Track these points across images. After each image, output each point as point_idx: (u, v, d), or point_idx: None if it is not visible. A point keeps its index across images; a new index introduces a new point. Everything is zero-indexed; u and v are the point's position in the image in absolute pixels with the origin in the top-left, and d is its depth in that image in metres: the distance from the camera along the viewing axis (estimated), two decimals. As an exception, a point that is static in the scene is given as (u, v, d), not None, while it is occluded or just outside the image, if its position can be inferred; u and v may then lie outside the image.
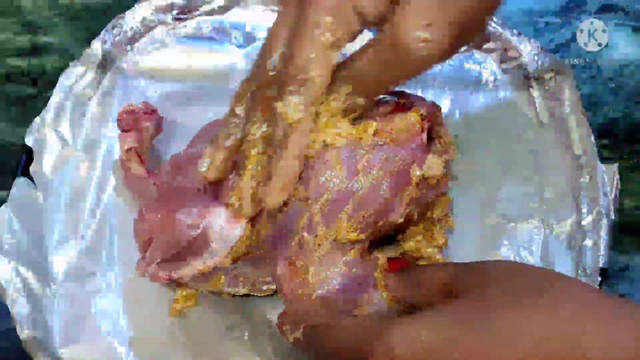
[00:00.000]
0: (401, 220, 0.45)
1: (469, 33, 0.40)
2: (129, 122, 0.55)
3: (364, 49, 0.40)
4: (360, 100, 0.42)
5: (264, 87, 0.43)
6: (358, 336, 0.38)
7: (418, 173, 0.44)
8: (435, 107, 0.48)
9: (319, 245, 0.44)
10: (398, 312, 0.45)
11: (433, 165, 0.45)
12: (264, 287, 0.51)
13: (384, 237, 0.49)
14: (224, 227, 0.45)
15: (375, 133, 0.45)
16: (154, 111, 0.57)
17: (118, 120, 0.56)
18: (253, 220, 0.46)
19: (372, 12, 0.39)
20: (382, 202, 0.44)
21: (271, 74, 0.42)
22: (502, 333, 0.34)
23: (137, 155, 0.55)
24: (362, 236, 0.45)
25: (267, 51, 0.43)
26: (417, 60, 0.39)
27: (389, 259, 0.47)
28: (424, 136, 0.46)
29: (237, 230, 0.46)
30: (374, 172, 0.44)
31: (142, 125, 0.55)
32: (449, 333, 0.35)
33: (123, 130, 0.56)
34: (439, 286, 0.41)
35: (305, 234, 0.44)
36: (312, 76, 0.40)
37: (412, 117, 0.46)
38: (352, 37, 0.40)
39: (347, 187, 0.44)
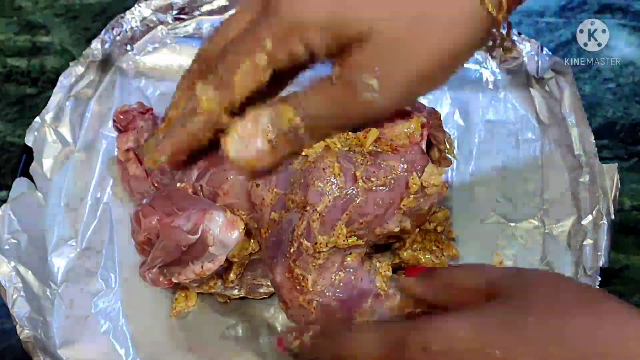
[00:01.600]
0: (397, 229, 0.45)
1: (420, 92, 0.39)
2: (124, 122, 0.55)
3: (315, 83, 0.38)
4: (303, 131, 0.38)
5: (203, 64, 0.42)
6: (388, 336, 0.37)
7: (417, 182, 0.44)
8: (435, 114, 0.48)
9: (318, 252, 0.44)
10: (412, 313, 0.45)
11: (432, 174, 0.45)
12: (261, 290, 0.51)
13: (380, 245, 0.49)
14: (222, 231, 0.45)
15: (376, 140, 0.45)
16: (149, 110, 0.57)
17: (114, 121, 0.56)
18: (249, 228, 0.47)
19: (321, 50, 0.37)
20: (380, 209, 0.44)
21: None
22: (544, 338, 0.34)
23: (135, 156, 0.55)
24: (361, 242, 0.45)
25: (212, 40, 0.41)
26: (362, 105, 0.37)
27: (407, 267, 0.47)
28: (423, 144, 0.45)
29: (235, 234, 0.46)
30: (373, 180, 0.44)
31: (137, 125, 0.55)
32: (489, 333, 0.35)
33: (119, 131, 0.56)
34: (473, 288, 0.40)
35: (304, 241, 0.44)
36: (235, 82, 0.38)
37: (412, 124, 0.45)
38: (294, 64, 0.38)
39: (346, 194, 0.44)
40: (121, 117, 0.55)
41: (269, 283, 0.50)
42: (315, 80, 0.38)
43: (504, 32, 0.61)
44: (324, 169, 0.44)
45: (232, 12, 0.63)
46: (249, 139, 0.36)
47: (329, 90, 0.37)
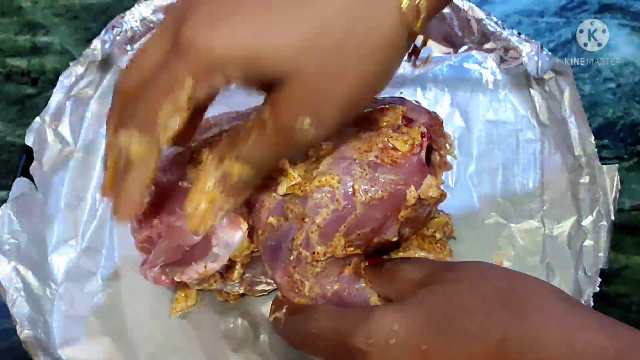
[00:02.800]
0: (395, 238, 0.45)
1: (352, 114, 0.39)
2: None
3: (248, 128, 0.38)
4: (253, 176, 0.39)
5: (121, 102, 0.40)
6: (339, 322, 0.40)
7: (414, 195, 0.44)
8: (436, 119, 0.48)
9: (316, 261, 0.44)
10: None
11: (430, 187, 0.45)
12: (259, 287, 0.51)
13: (378, 249, 0.49)
14: (225, 232, 0.45)
15: (381, 149, 0.45)
16: None
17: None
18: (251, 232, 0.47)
19: (242, 83, 0.37)
20: (378, 222, 0.44)
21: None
22: (467, 333, 0.36)
23: None
24: (359, 251, 0.45)
25: (129, 73, 0.39)
26: (300, 141, 0.37)
27: (368, 258, 0.47)
28: (423, 155, 0.45)
29: (238, 234, 0.46)
30: (371, 193, 0.44)
31: None
32: (418, 327, 0.37)
33: None
34: (413, 282, 0.41)
35: (303, 251, 0.44)
36: (159, 124, 0.37)
37: (413, 134, 0.45)
38: (213, 97, 0.39)
39: (344, 207, 0.44)
40: None
41: (269, 280, 0.50)
42: (249, 125, 0.38)
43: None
44: (321, 181, 0.44)
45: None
46: (206, 214, 0.39)
47: (267, 136, 0.37)
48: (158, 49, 0.38)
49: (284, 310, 0.45)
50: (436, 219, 0.50)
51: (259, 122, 0.37)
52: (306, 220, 0.44)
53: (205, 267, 0.46)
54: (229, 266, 0.48)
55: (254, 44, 0.34)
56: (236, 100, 0.61)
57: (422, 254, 0.50)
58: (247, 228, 0.46)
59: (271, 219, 0.46)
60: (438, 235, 0.50)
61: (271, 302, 0.47)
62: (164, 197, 0.49)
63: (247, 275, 0.50)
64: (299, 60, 0.35)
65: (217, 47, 0.35)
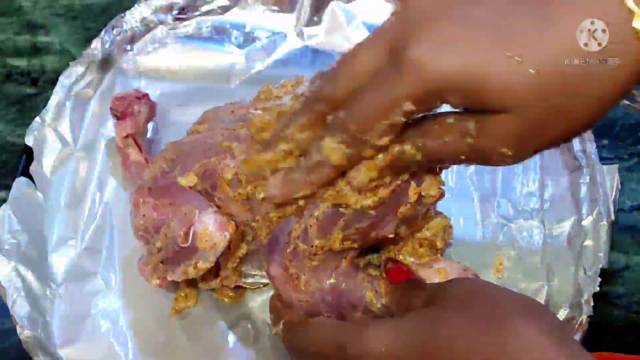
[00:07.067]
0: (392, 235, 0.45)
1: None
2: (121, 108, 0.55)
3: (441, 132, 0.37)
4: (416, 164, 0.40)
5: (327, 107, 0.39)
6: (336, 336, 0.41)
7: (416, 191, 0.44)
8: None
9: (314, 254, 0.44)
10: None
11: (431, 185, 0.45)
12: (250, 280, 0.51)
13: (372, 246, 0.49)
14: (213, 232, 0.46)
15: None
16: (145, 95, 0.57)
17: (111, 108, 0.56)
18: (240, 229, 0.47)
19: (458, 107, 0.36)
20: (377, 216, 0.44)
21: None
22: (452, 348, 0.36)
23: (134, 142, 0.55)
24: (356, 245, 0.45)
25: (338, 82, 0.38)
26: (497, 163, 0.37)
27: (388, 271, 0.47)
28: None
29: (225, 236, 0.46)
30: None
31: (135, 110, 0.55)
32: (409, 341, 0.38)
33: (117, 118, 0.56)
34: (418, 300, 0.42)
35: (301, 244, 0.44)
36: (369, 141, 0.37)
37: None
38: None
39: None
40: (117, 103, 0.55)
41: (262, 273, 0.50)
42: (443, 126, 0.37)
43: None
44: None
45: (233, 11, 0.64)
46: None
47: (459, 142, 0.36)
48: (371, 60, 0.36)
49: (281, 325, 0.46)
50: (436, 221, 0.50)
51: (458, 129, 0.36)
52: (304, 212, 0.44)
53: (193, 267, 0.46)
54: (219, 267, 0.49)
55: (483, 72, 0.33)
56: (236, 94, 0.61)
57: (411, 259, 0.50)
58: (234, 231, 0.46)
59: (271, 213, 0.46)
60: (439, 245, 0.50)
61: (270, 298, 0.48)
62: (162, 188, 0.49)
63: (241, 270, 0.51)
64: (527, 99, 0.33)
65: (444, 74, 0.33)
